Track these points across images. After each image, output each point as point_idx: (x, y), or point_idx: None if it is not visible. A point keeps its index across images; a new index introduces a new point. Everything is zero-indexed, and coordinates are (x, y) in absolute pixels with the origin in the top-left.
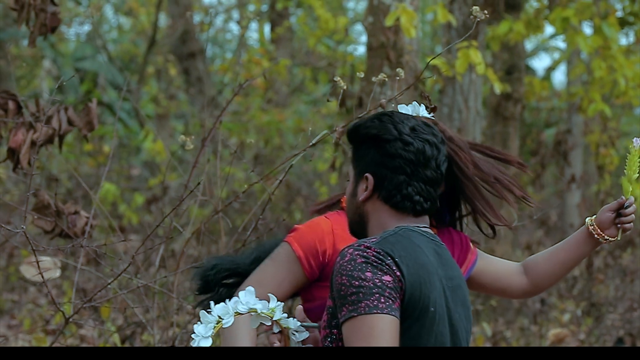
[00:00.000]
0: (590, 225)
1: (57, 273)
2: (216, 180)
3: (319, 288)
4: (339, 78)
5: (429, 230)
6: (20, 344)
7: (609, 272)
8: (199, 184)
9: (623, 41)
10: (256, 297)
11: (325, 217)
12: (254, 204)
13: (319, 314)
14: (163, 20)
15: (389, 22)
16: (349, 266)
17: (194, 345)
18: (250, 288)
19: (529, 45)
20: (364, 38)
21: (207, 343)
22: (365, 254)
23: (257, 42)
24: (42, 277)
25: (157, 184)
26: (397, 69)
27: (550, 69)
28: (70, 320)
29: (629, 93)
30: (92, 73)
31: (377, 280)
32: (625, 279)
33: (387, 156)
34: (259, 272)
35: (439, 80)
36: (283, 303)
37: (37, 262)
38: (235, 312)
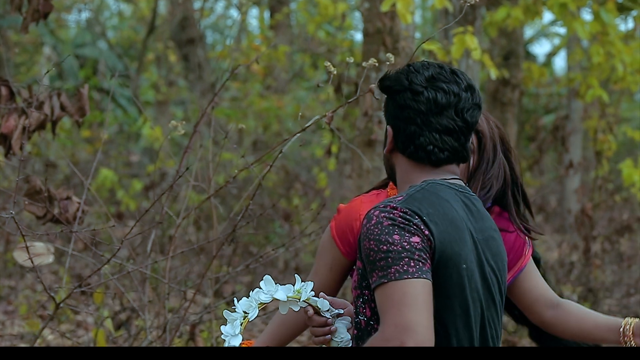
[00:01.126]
0: (627, 324)
1: (50, 259)
2: (214, 166)
3: None
4: (329, 63)
5: (458, 181)
6: (16, 330)
7: (606, 257)
8: (187, 168)
9: (621, 27)
10: (315, 287)
11: (362, 198)
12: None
13: None
14: (163, 6)
15: (385, 7)
16: (376, 230)
17: (225, 346)
18: (268, 277)
19: (529, 31)
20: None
21: (237, 341)
22: (391, 215)
23: (257, 29)
24: (32, 262)
25: (155, 170)
26: (388, 54)
27: (550, 55)
28: (62, 305)
29: (627, 79)
30: (92, 60)
31: (405, 243)
32: (623, 265)
33: (398, 107)
34: (315, 261)
35: None
36: (312, 283)
37: (27, 248)
38: (258, 304)
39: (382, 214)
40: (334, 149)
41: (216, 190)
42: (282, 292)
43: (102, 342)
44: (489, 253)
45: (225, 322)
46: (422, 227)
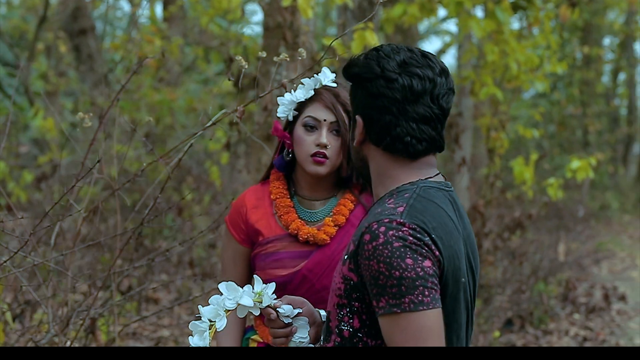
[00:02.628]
0: None
1: None
2: (107, 159)
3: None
4: (240, 57)
5: (440, 178)
6: None
7: (498, 254)
8: (98, 161)
9: (516, 25)
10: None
11: (248, 190)
12: (144, 183)
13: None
14: None
15: (285, 2)
16: (386, 251)
17: None
18: (231, 283)
19: (421, 28)
20: (257, 17)
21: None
22: (400, 233)
23: (148, 20)
24: None
25: (46, 161)
26: (300, 50)
27: (440, 52)
28: None
29: (521, 77)
30: None
31: (419, 269)
32: (514, 261)
33: (370, 96)
34: (221, 259)
35: (334, 61)
36: (274, 284)
37: None
38: (225, 311)
39: (390, 232)
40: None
41: (123, 183)
42: (247, 298)
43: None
44: (472, 252)
45: (191, 333)
46: (432, 248)
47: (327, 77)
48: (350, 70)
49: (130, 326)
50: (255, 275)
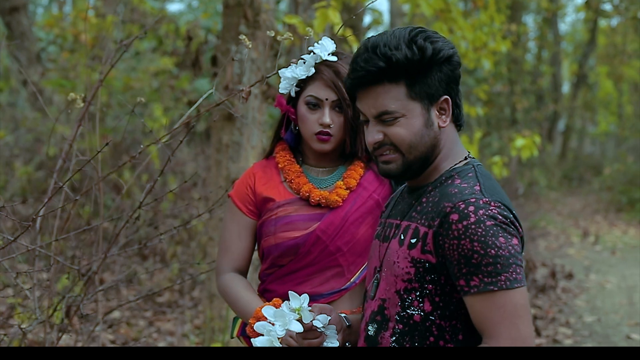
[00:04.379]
0: None
1: None
2: (42, 138)
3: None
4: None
5: None
6: None
7: None
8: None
9: (461, 6)
10: (228, 260)
11: (254, 164)
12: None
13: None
14: None
15: None
16: (479, 230)
17: None
18: (278, 311)
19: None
20: None
21: None
22: (490, 212)
23: None
24: None
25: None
26: (284, 32)
27: (367, 29)
28: None
29: (469, 55)
30: None
31: (510, 247)
32: None
33: (455, 72)
34: (221, 239)
35: (296, 40)
36: (307, 296)
37: None
38: (278, 339)
39: (480, 211)
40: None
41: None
42: (296, 324)
43: None
44: None
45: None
46: (517, 225)
47: (326, 50)
48: (442, 53)
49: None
50: (290, 292)
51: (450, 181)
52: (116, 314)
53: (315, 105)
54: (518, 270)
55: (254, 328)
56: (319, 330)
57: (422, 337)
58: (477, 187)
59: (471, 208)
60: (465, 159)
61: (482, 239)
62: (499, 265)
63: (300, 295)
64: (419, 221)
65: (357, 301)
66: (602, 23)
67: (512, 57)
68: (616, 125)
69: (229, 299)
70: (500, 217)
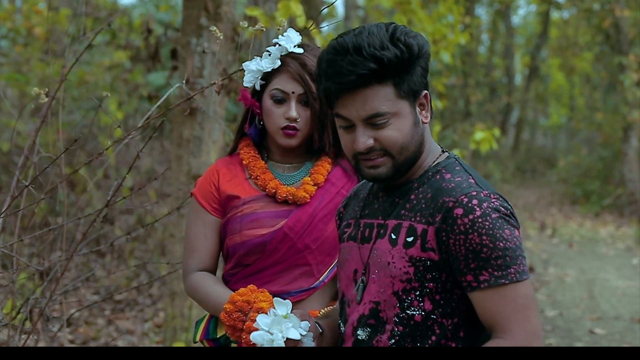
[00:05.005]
0: None
1: None
2: None
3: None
4: (214, 29)
5: None
6: None
7: None
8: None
9: None
10: (195, 260)
11: (217, 161)
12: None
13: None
14: None
15: None
16: (487, 223)
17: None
18: (276, 319)
19: None
20: None
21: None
22: (493, 205)
23: None
24: None
25: None
26: (212, 27)
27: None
28: None
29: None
30: None
31: (515, 239)
32: None
33: (427, 65)
34: (186, 239)
35: (257, 32)
36: (289, 303)
37: None
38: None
39: (484, 204)
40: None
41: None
42: (294, 331)
43: None
44: None
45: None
46: (515, 216)
47: (292, 42)
48: (424, 49)
49: (36, 305)
50: (275, 298)
51: (438, 176)
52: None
53: (281, 99)
54: (524, 262)
55: (251, 338)
56: (302, 336)
57: (424, 337)
58: (472, 180)
59: (475, 201)
60: (443, 152)
61: (490, 232)
62: (507, 258)
63: (283, 300)
64: (412, 219)
65: (326, 300)
66: (555, 15)
67: (466, 50)
68: (567, 118)
69: (199, 296)
70: (502, 209)
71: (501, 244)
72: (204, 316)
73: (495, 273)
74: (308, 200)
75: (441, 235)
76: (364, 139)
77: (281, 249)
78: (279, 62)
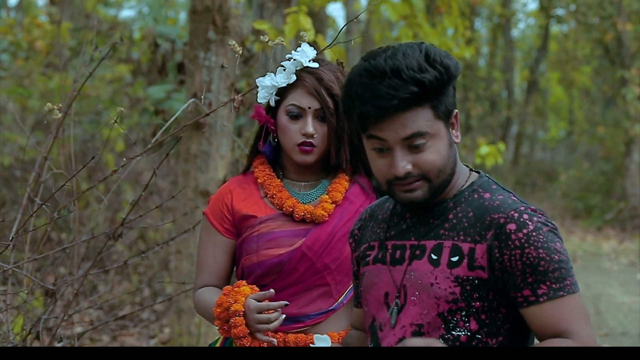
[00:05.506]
0: None
1: None
2: None
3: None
4: (234, 42)
5: None
6: None
7: None
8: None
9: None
10: (203, 281)
11: (230, 180)
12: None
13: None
14: None
15: None
16: (540, 237)
17: None
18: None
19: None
20: (131, 3)
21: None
22: (542, 219)
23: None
24: None
25: None
26: (231, 41)
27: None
28: None
29: None
30: None
31: (565, 252)
32: None
33: (454, 90)
34: (197, 257)
35: (266, 46)
36: (328, 338)
37: None
38: None
39: (535, 219)
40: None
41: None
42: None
43: None
44: None
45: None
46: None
47: (307, 56)
48: (458, 69)
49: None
50: (316, 335)
51: (476, 195)
52: (78, 329)
53: (297, 114)
54: (573, 274)
55: None
56: None
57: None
58: (514, 197)
59: (525, 216)
60: (471, 171)
61: (545, 245)
62: (563, 270)
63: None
64: (455, 238)
65: (344, 323)
66: (554, 29)
67: (467, 63)
68: (566, 131)
69: (201, 309)
70: (550, 224)
71: (556, 256)
72: (217, 339)
73: (554, 286)
74: (327, 219)
75: (494, 253)
76: (403, 164)
77: (299, 269)
78: (294, 77)
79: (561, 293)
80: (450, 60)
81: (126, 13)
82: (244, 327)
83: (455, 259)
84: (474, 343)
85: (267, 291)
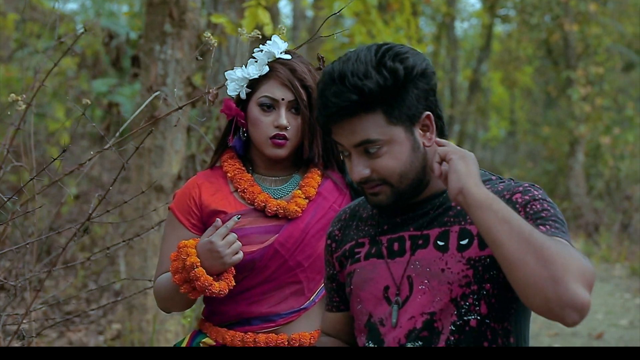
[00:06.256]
0: None
1: None
2: None
3: None
4: (209, 35)
5: None
6: None
7: None
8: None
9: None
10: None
11: (197, 174)
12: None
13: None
14: None
15: None
16: (546, 200)
17: None
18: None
19: None
20: None
21: None
22: (546, 195)
23: None
24: None
25: None
26: (206, 33)
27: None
28: None
29: None
30: None
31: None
32: None
33: (431, 83)
34: (160, 251)
35: (222, 39)
36: None
37: None
38: None
39: (541, 191)
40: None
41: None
42: None
43: None
44: None
45: None
46: None
47: (279, 47)
48: (417, 69)
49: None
50: None
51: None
52: (24, 325)
53: (270, 106)
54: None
55: None
56: None
57: (477, 343)
58: (515, 181)
59: (529, 187)
60: None
61: (550, 204)
62: (564, 228)
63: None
64: (462, 223)
65: (316, 322)
66: (498, 29)
67: None
68: (507, 131)
69: (161, 289)
70: (552, 202)
71: (560, 215)
72: (182, 340)
73: (553, 230)
74: (300, 215)
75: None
76: (359, 169)
77: (271, 266)
78: (266, 68)
79: (559, 237)
80: (403, 63)
81: (70, 6)
82: (207, 276)
83: (464, 241)
84: (482, 329)
85: (213, 224)
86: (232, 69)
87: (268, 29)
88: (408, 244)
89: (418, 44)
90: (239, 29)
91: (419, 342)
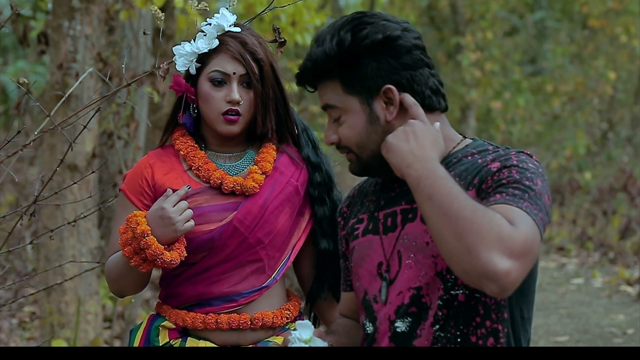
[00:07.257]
0: None
1: None
2: None
3: None
4: (156, 8)
5: None
6: None
7: None
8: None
9: None
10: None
11: (148, 154)
12: None
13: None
14: None
15: None
16: (522, 164)
17: None
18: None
19: None
20: None
21: None
22: (533, 161)
23: None
24: None
25: None
26: (152, 7)
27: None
28: None
29: (288, 30)
30: None
31: (546, 193)
32: None
33: (404, 54)
34: (112, 234)
35: (131, 12)
36: (310, 325)
37: None
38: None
39: (523, 156)
40: None
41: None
42: (320, 341)
43: None
44: None
45: None
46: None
47: (228, 20)
48: (367, 41)
49: None
50: (298, 322)
51: (470, 157)
52: None
53: (221, 81)
54: (540, 216)
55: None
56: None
57: (468, 318)
58: (509, 150)
59: (512, 153)
60: (464, 138)
61: (522, 170)
62: (526, 195)
63: (304, 323)
64: (465, 181)
65: (278, 300)
66: None
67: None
68: None
69: (112, 266)
70: (542, 168)
71: (527, 182)
72: (140, 324)
73: (507, 197)
74: (257, 191)
75: (480, 191)
76: (329, 133)
77: (231, 244)
78: (216, 42)
79: (511, 205)
80: (353, 34)
81: None
82: (158, 245)
83: None
84: (472, 303)
85: (164, 194)
86: (135, 43)
87: (179, 2)
88: (399, 218)
89: (316, 13)
90: (190, 1)
91: (408, 319)
